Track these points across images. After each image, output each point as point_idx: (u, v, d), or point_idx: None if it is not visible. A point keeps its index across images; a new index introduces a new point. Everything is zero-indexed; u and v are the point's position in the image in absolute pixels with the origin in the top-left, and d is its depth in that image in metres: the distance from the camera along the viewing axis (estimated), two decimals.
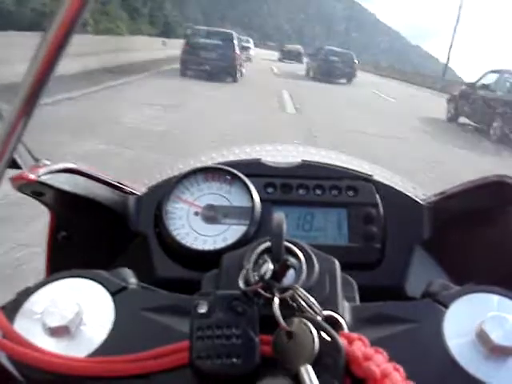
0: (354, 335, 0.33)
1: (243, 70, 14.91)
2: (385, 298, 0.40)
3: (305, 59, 27.63)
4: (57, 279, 0.39)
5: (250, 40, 33.06)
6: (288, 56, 36.04)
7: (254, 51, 29.55)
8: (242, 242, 0.54)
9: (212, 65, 13.11)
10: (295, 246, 0.39)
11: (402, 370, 0.31)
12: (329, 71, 18.93)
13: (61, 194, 0.51)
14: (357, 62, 19.91)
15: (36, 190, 0.49)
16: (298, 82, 16.24)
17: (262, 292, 0.34)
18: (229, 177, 0.60)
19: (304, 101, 10.28)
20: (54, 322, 0.35)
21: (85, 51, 9.38)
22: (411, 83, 25.68)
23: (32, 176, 0.47)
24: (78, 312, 0.36)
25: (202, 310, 0.33)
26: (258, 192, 0.59)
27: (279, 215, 0.37)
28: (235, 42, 14.11)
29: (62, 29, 0.27)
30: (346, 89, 17.20)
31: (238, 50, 13.83)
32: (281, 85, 13.72)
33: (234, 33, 15.07)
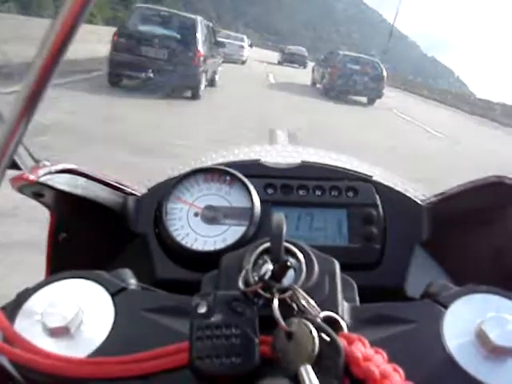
0: (354, 336, 0.33)
1: (216, 78, 10.24)
2: (384, 299, 0.40)
3: (311, 64, 21.55)
4: (57, 280, 0.39)
5: (245, 38, 27.49)
6: (290, 59, 31.36)
7: (248, 51, 24.84)
8: (242, 243, 0.54)
9: (159, 70, 7.73)
10: (295, 246, 0.39)
11: (401, 371, 0.31)
12: (345, 85, 13.12)
13: (61, 194, 0.51)
14: (385, 74, 13.77)
15: (36, 191, 0.49)
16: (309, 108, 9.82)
17: (262, 292, 0.34)
18: (228, 177, 0.60)
19: None
20: (53, 323, 0.35)
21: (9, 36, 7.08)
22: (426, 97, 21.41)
23: (32, 177, 0.47)
24: (77, 313, 0.36)
25: (202, 310, 0.33)
26: (257, 193, 0.60)
27: (279, 216, 0.37)
28: (198, 34, 8.18)
29: (63, 30, 0.27)
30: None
31: (201, 47, 8.10)
32: (277, 112, 8.23)
33: (199, 19, 8.62)
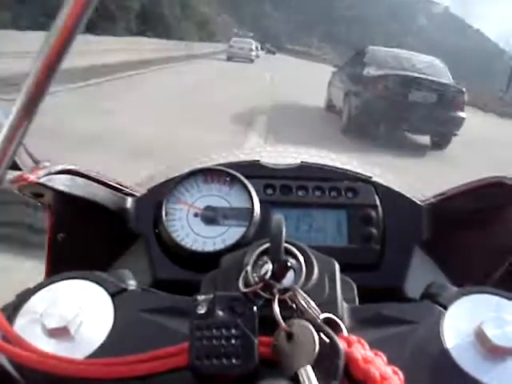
0: (354, 338, 0.33)
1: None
2: (384, 299, 0.40)
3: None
4: (56, 281, 0.39)
5: (252, 42, 24.65)
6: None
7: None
8: (242, 244, 0.54)
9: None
10: (294, 247, 0.39)
11: (400, 373, 0.31)
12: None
13: (60, 195, 0.51)
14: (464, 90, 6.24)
15: (36, 192, 0.49)
16: None
17: (262, 293, 0.34)
18: (228, 178, 0.60)
19: None
20: (53, 324, 0.35)
21: None
22: None
23: (32, 177, 0.47)
24: (77, 313, 0.36)
25: (202, 310, 0.33)
26: (257, 193, 0.60)
27: (278, 216, 0.37)
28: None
29: (63, 32, 0.28)
30: None
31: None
32: None
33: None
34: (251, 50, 25.82)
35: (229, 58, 24.84)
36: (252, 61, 25.73)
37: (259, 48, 39.17)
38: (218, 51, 31.23)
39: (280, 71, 19.50)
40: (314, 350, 0.31)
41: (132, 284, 0.41)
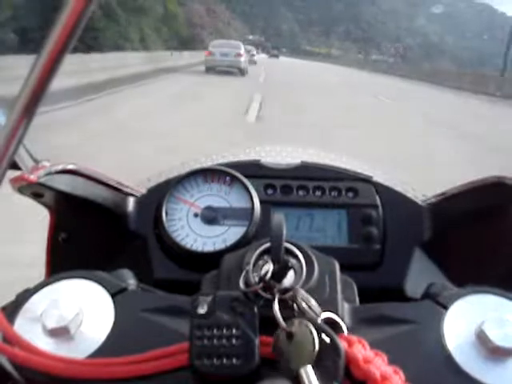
0: (354, 338, 0.33)
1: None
2: (384, 299, 0.40)
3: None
4: (57, 280, 0.39)
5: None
6: None
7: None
8: (242, 243, 0.54)
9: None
10: (295, 246, 0.39)
11: (401, 372, 0.31)
12: None
13: (60, 195, 0.51)
14: None
15: (36, 192, 0.49)
16: None
17: (262, 293, 0.34)
18: (228, 178, 0.60)
19: None
20: (53, 323, 0.35)
21: None
22: None
23: (32, 177, 0.47)
24: (77, 313, 0.36)
25: (202, 310, 0.33)
26: (257, 193, 0.60)
27: (279, 216, 0.37)
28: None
29: (65, 30, 0.28)
30: None
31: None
32: None
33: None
34: (239, 55, 17.85)
35: (207, 69, 17.78)
36: (242, 71, 17.79)
37: (255, 52, 34.21)
38: (197, 62, 22.22)
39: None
40: (315, 349, 0.31)
41: (132, 284, 0.41)
